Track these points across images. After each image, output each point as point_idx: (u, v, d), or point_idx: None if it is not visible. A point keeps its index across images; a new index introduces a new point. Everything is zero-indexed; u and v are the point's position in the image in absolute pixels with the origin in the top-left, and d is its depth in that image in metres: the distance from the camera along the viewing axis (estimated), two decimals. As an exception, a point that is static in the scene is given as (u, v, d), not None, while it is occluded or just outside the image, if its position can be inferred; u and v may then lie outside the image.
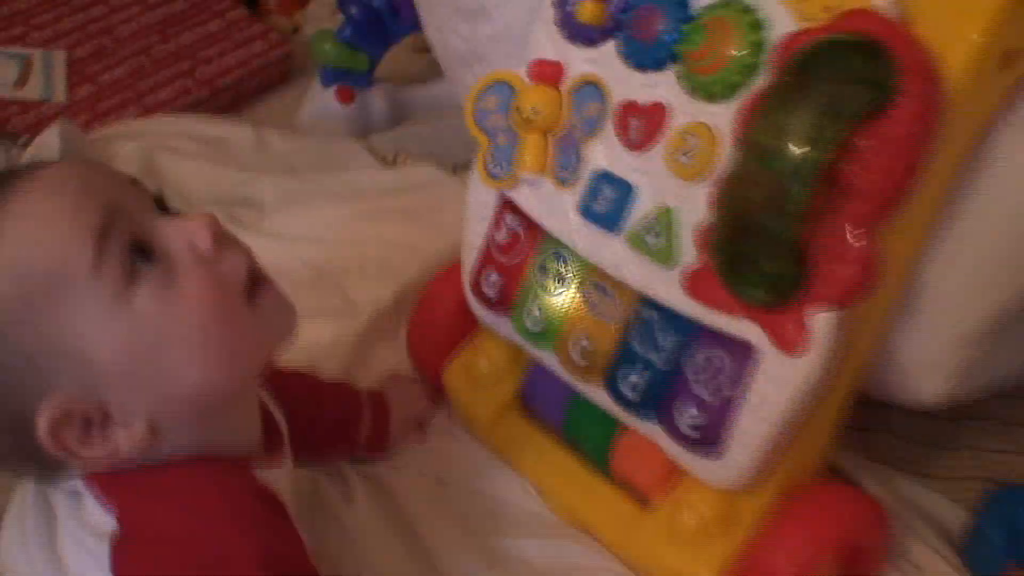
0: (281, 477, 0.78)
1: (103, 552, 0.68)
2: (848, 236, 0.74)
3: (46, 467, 0.71)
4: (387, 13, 1.57)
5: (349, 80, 1.60)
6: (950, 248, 0.81)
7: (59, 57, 1.62)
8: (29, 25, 1.66)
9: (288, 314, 0.77)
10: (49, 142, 1.27)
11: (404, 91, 1.66)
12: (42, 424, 0.67)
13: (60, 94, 1.56)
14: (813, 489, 0.86)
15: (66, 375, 0.67)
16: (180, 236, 0.71)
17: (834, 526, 0.84)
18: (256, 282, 0.74)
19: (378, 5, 1.57)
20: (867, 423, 1.06)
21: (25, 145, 1.32)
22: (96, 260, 0.67)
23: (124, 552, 0.68)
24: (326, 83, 1.61)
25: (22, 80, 1.56)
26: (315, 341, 1.01)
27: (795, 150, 0.73)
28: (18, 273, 0.67)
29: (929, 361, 0.85)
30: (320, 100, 1.61)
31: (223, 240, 0.73)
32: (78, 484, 0.71)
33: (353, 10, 1.58)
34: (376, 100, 1.62)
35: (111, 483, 0.70)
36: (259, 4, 1.96)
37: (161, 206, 0.75)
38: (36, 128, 1.41)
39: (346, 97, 1.59)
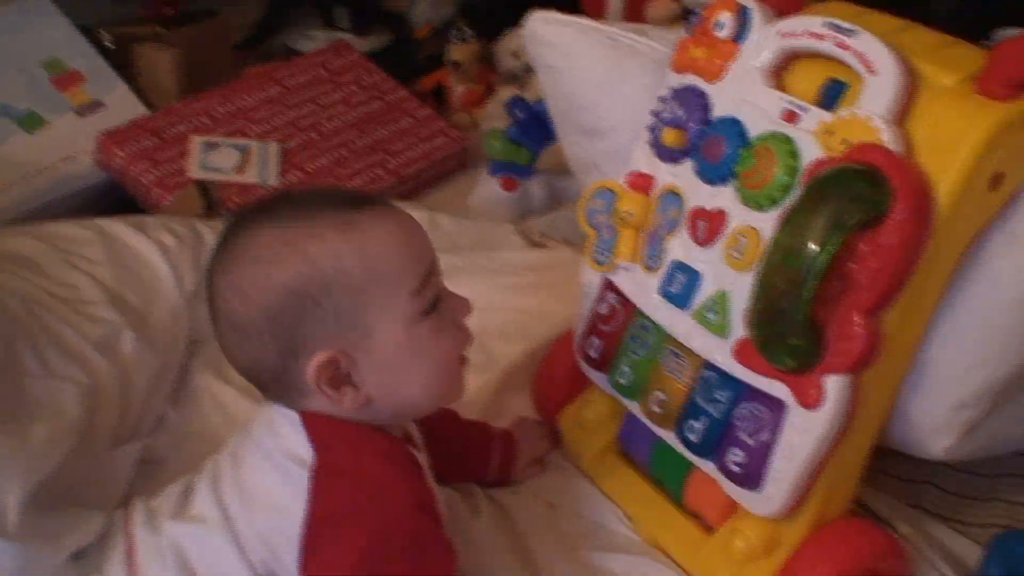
0: (420, 454, 1.02)
1: (300, 476, 0.93)
2: (853, 318, 0.95)
3: (281, 391, 0.96)
4: (547, 116, 1.79)
5: (513, 171, 1.84)
6: (950, 329, 1.00)
7: (273, 148, 1.88)
8: (249, 119, 1.92)
9: (463, 387, 1.05)
10: None
11: (560, 179, 1.87)
12: (318, 357, 0.92)
13: (273, 179, 1.82)
14: (839, 523, 1.04)
15: (349, 340, 0.93)
16: (453, 305, 1.00)
17: (853, 553, 1.01)
18: (462, 358, 1.03)
19: (539, 109, 1.79)
20: (914, 476, 1.24)
21: None
22: (417, 289, 0.95)
23: (323, 481, 0.93)
24: (493, 173, 1.85)
25: (242, 166, 1.82)
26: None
27: (809, 250, 0.93)
28: (369, 264, 0.93)
29: (935, 421, 1.04)
30: (487, 187, 1.85)
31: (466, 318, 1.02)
32: (295, 416, 0.96)
33: (519, 112, 1.82)
34: (535, 188, 1.86)
35: (319, 422, 0.96)
36: (445, 100, 2.23)
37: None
38: (252, 208, 1.68)
39: (510, 186, 1.84)
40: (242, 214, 0.98)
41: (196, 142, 1.84)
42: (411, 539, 0.93)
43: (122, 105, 1.93)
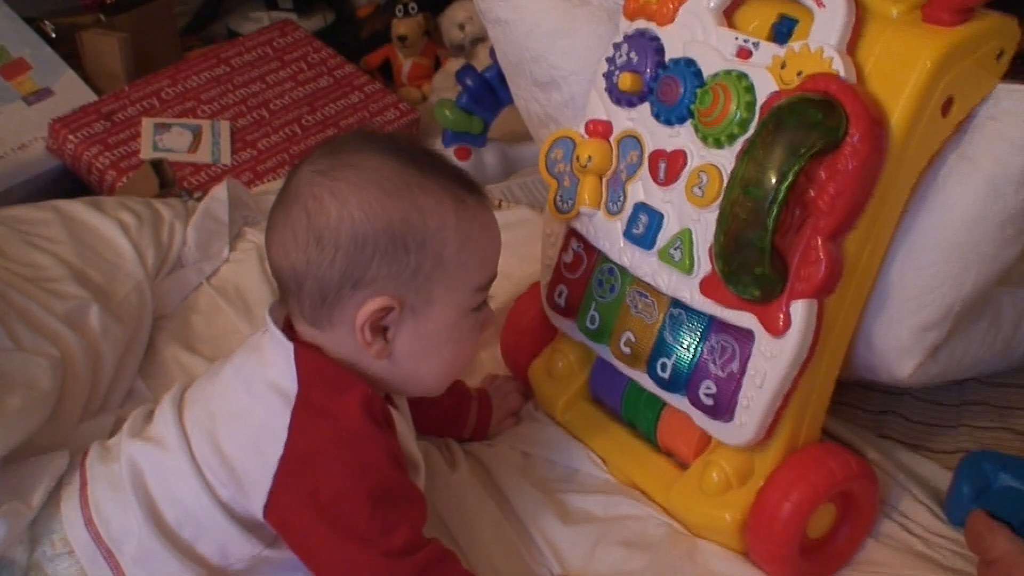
0: (397, 413, 1.03)
1: (281, 409, 0.94)
2: (815, 244, 0.97)
3: (323, 307, 0.96)
4: (497, 83, 1.80)
5: (466, 140, 1.86)
6: (909, 253, 1.03)
7: (224, 126, 1.89)
8: (199, 100, 1.94)
9: None
10: (219, 196, 1.52)
11: (513, 148, 1.90)
12: (379, 300, 0.95)
13: (226, 157, 1.84)
14: (810, 447, 1.07)
15: (409, 300, 0.96)
16: (486, 314, 1.04)
17: (823, 474, 1.03)
18: None
19: (489, 76, 1.81)
20: (881, 407, 1.28)
21: (199, 199, 1.57)
22: (481, 286, 1.01)
23: (302, 416, 0.94)
24: (447, 143, 1.86)
25: (194, 146, 1.84)
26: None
27: (769, 179, 0.95)
28: (465, 242, 0.97)
29: (899, 344, 1.07)
30: (441, 158, 1.86)
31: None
32: (287, 344, 0.97)
33: (469, 81, 1.83)
34: (489, 157, 1.87)
35: (309, 359, 0.96)
36: (393, 76, 2.24)
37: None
38: (206, 185, 1.69)
39: (463, 155, 1.85)
40: (366, 135, 1.00)
41: (147, 124, 1.85)
42: (384, 485, 0.94)
43: (70, 91, 1.93)
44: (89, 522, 0.97)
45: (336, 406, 0.95)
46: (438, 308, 0.98)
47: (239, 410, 0.97)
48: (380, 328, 0.97)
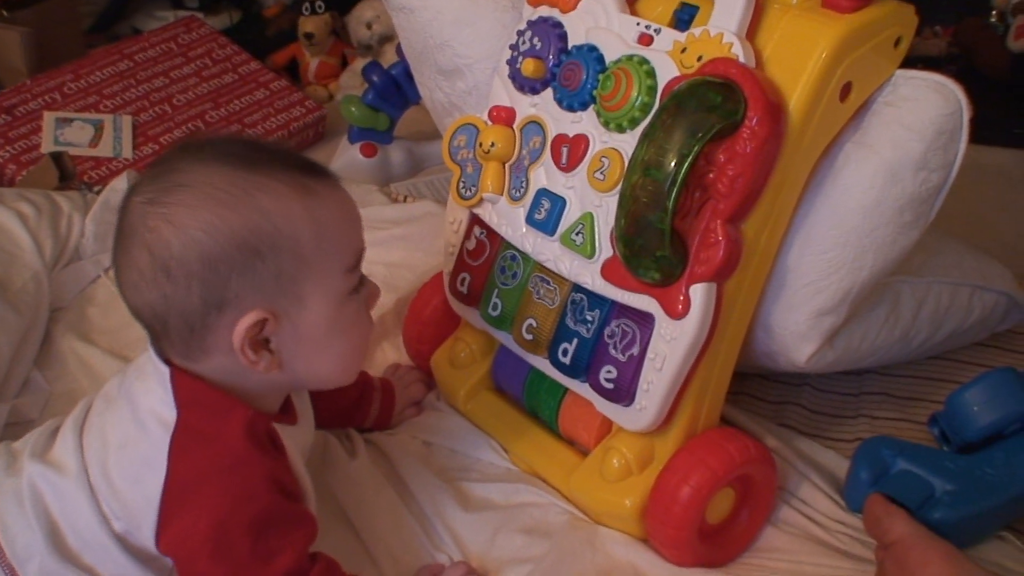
0: (288, 432, 0.99)
1: (161, 437, 0.90)
2: (714, 227, 0.98)
3: (192, 339, 0.90)
4: (404, 80, 1.81)
5: (372, 137, 1.85)
6: (807, 238, 1.05)
7: (126, 121, 1.87)
8: (102, 95, 1.91)
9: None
10: (118, 187, 1.50)
11: (419, 146, 1.90)
12: (249, 317, 0.88)
13: (127, 151, 1.82)
14: (709, 432, 1.07)
15: (281, 305, 0.90)
16: (369, 289, 0.99)
17: (722, 457, 1.03)
18: None
19: (396, 73, 1.82)
20: (782, 398, 1.29)
21: (98, 192, 1.55)
22: (351, 267, 0.95)
23: (181, 442, 0.90)
24: (353, 140, 1.86)
25: (96, 140, 1.81)
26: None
27: (669, 162, 0.95)
28: (318, 231, 0.91)
29: (797, 329, 1.08)
30: (348, 154, 1.86)
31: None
32: (166, 372, 0.92)
33: (375, 77, 1.83)
34: (396, 154, 1.87)
35: (188, 385, 0.92)
36: (300, 75, 2.23)
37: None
38: (107, 179, 1.66)
39: (370, 152, 1.85)
40: (189, 144, 0.94)
41: (49, 118, 1.82)
42: (265, 513, 0.90)
43: (-30, 84, 1.90)
44: None
45: (215, 431, 0.91)
46: (313, 304, 0.92)
47: (126, 439, 0.93)
48: (261, 343, 0.91)
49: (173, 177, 0.89)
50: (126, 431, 0.93)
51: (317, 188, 0.92)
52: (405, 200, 1.61)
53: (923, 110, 1.01)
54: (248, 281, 0.88)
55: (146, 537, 0.91)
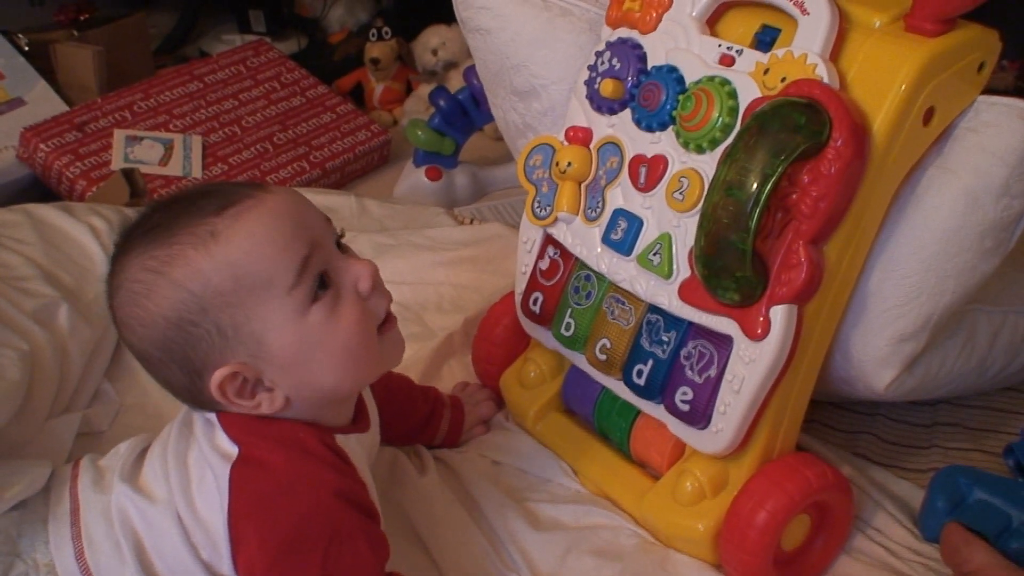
0: (354, 442, 0.99)
1: (223, 470, 0.91)
2: (796, 248, 0.97)
3: (201, 405, 0.94)
4: (470, 105, 1.82)
5: (437, 161, 1.86)
6: (888, 262, 1.04)
7: (196, 141, 1.89)
8: (171, 114, 1.94)
9: (401, 347, 1.01)
10: None
11: (484, 171, 1.91)
12: (216, 377, 0.89)
13: (197, 171, 1.84)
14: (786, 457, 1.06)
15: (244, 349, 0.89)
16: (349, 274, 0.93)
17: (799, 483, 1.02)
18: (387, 320, 0.98)
19: (462, 98, 1.83)
20: (855, 427, 1.28)
21: None
22: (295, 282, 0.89)
23: (240, 470, 0.91)
24: (418, 164, 1.87)
25: (165, 159, 1.83)
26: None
27: (751, 182, 0.95)
28: (235, 273, 0.88)
29: (876, 355, 1.07)
30: (412, 178, 1.87)
31: (375, 283, 0.95)
32: (213, 417, 0.94)
33: (442, 102, 1.84)
34: (460, 178, 1.88)
35: (237, 423, 0.93)
36: (364, 100, 2.25)
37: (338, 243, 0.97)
38: (177, 198, 1.68)
39: (434, 175, 1.85)
40: (120, 238, 0.94)
41: (119, 136, 1.84)
42: (328, 531, 0.90)
43: (42, 102, 1.94)
44: (80, 556, 0.94)
45: (271, 456, 0.92)
46: (272, 338, 0.90)
47: (202, 473, 0.93)
48: (252, 388, 0.91)
49: (113, 279, 0.92)
50: (199, 465, 0.94)
51: (220, 228, 0.89)
52: (472, 222, 1.61)
53: (1006, 136, 1.00)
54: (200, 347, 0.89)
55: (226, 566, 0.92)
